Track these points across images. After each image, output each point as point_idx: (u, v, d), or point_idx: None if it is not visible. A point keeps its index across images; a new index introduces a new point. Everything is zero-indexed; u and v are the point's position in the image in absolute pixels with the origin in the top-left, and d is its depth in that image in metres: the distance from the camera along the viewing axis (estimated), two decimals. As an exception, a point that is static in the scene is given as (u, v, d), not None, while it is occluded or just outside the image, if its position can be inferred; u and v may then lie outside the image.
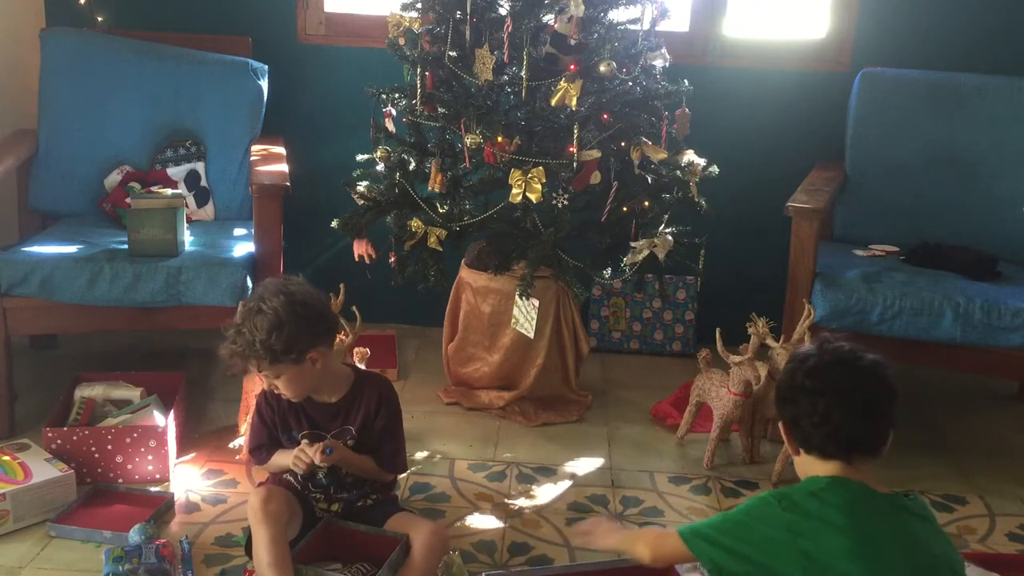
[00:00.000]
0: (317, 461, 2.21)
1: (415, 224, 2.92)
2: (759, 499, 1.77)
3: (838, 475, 1.74)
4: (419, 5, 2.91)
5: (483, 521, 2.55)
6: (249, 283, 2.83)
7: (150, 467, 2.64)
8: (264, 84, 3.37)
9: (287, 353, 2.17)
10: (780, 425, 1.86)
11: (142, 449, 2.62)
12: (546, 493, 2.69)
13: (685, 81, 2.92)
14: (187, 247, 2.93)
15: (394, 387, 2.41)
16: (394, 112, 2.99)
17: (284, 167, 3.15)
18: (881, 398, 1.76)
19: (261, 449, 2.38)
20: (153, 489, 2.60)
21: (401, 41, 2.95)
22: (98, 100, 3.28)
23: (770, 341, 2.76)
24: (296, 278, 2.28)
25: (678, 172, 2.90)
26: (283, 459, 2.32)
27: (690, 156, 2.93)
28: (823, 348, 1.80)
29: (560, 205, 2.77)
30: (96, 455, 2.60)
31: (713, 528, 1.79)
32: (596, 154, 2.73)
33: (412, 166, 2.96)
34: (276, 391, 2.25)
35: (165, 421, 2.70)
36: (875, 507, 1.71)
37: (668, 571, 2.15)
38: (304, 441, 2.27)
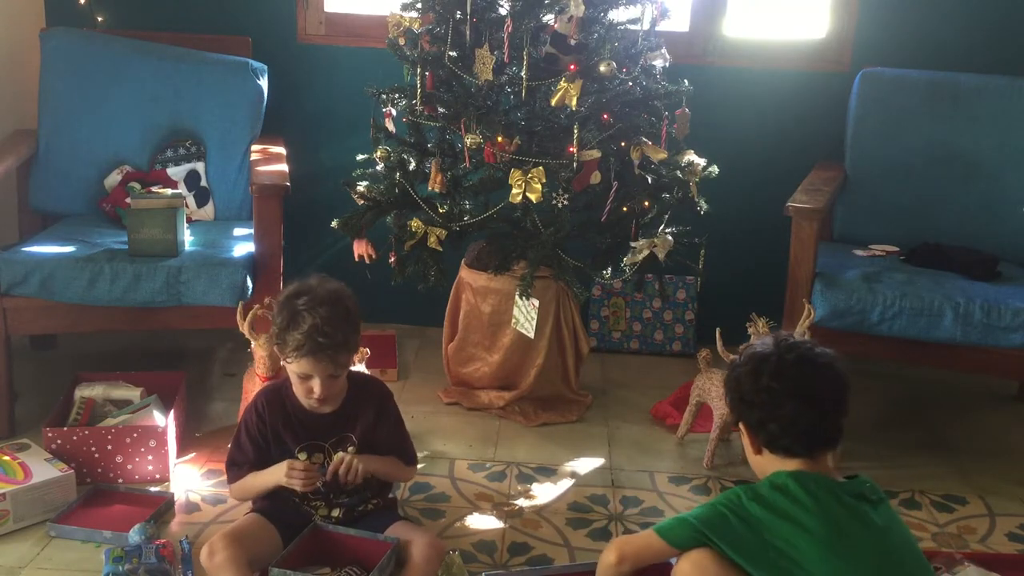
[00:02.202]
0: (319, 484, 2.21)
1: (415, 224, 2.92)
2: (731, 492, 1.81)
3: (800, 469, 1.78)
4: (419, 5, 2.91)
5: (483, 521, 2.55)
6: (249, 283, 2.83)
7: (150, 467, 2.64)
8: (264, 84, 3.37)
9: (356, 345, 2.21)
10: (741, 426, 1.85)
11: (142, 449, 2.62)
12: (546, 493, 2.70)
13: (685, 81, 2.92)
14: (187, 247, 2.93)
15: (387, 387, 2.41)
16: (394, 112, 2.99)
17: (284, 167, 3.15)
18: (842, 393, 1.79)
19: (240, 467, 2.31)
20: (153, 489, 2.60)
21: (401, 41, 2.95)
22: (98, 100, 3.28)
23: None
24: (319, 275, 2.27)
25: (678, 172, 2.90)
26: (263, 479, 2.27)
27: (690, 156, 2.93)
28: (781, 346, 1.80)
29: (560, 205, 2.77)
30: (96, 455, 2.60)
31: (679, 518, 1.85)
32: (596, 154, 2.73)
33: (412, 166, 2.96)
34: (322, 395, 2.18)
35: (165, 421, 2.70)
36: (839, 500, 1.74)
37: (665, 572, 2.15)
38: (302, 455, 2.26)
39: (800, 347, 1.80)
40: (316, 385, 2.18)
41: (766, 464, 1.82)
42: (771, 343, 1.82)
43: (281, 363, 2.26)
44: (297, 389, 2.23)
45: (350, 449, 2.29)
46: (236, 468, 2.32)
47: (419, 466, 2.77)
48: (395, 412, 2.38)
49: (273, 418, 2.28)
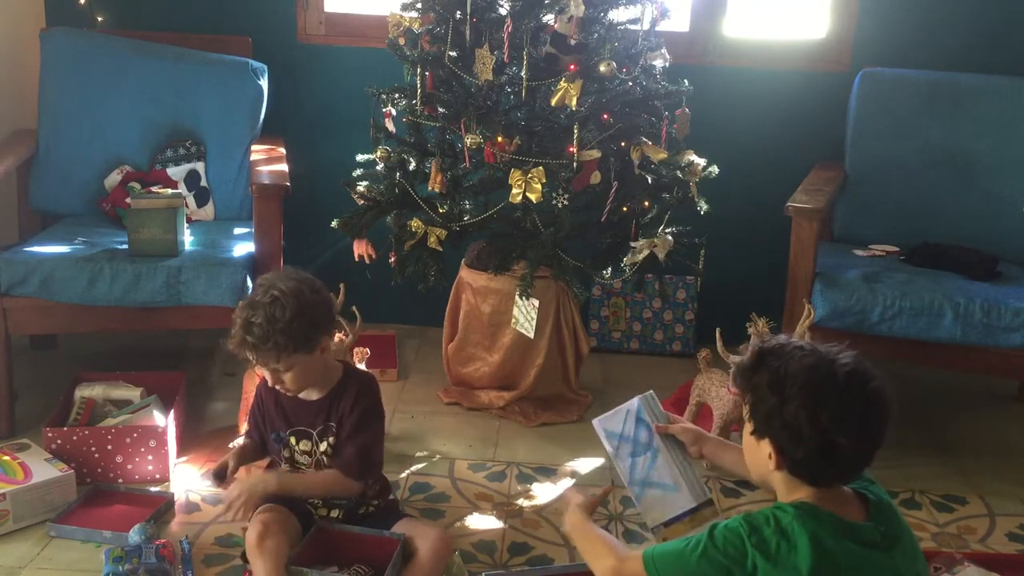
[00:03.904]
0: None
1: (415, 224, 2.92)
2: (728, 529, 1.62)
3: (809, 501, 1.62)
4: (419, 5, 2.91)
5: (483, 521, 2.55)
6: (249, 283, 2.82)
7: (150, 467, 2.64)
8: (264, 84, 3.37)
9: (307, 342, 2.14)
10: (768, 443, 1.65)
11: (142, 449, 2.62)
12: (546, 493, 2.69)
13: (685, 81, 2.92)
14: (187, 247, 2.93)
15: (378, 385, 2.32)
16: (394, 112, 2.99)
17: (284, 167, 3.16)
18: (887, 428, 1.63)
19: (248, 434, 2.39)
20: (153, 489, 2.60)
21: (401, 41, 2.95)
22: (98, 100, 3.28)
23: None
24: (294, 269, 2.24)
25: (678, 172, 2.90)
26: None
27: (690, 156, 2.93)
28: (848, 379, 1.59)
29: (560, 205, 2.77)
30: (96, 455, 2.60)
31: (675, 555, 1.66)
32: (596, 154, 2.73)
33: (412, 166, 2.96)
34: (281, 386, 2.19)
35: (165, 421, 2.70)
36: (846, 549, 1.58)
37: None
38: (292, 439, 2.26)
39: (867, 384, 1.60)
40: (267, 374, 2.18)
41: (775, 479, 1.68)
42: (828, 368, 1.60)
43: None
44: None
45: (331, 439, 2.26)
46: (247, 435, 2.39)
47: (419, 466, 2.78)
48: (367, 409, 2.25)
49: (268, 401, 2.30)
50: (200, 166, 3.31)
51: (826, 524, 1.59)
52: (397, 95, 2.96)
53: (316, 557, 2.20)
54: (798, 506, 1.61)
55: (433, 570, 2.17)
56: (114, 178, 3.27)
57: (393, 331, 3.63)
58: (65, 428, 2.63)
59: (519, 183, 2.72)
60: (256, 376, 2.59)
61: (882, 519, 1.65)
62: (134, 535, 2.29)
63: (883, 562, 1.61)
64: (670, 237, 2.85)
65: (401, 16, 2.95)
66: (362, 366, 2.80)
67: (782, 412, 1.61)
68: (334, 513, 2.30)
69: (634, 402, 2.05)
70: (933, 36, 3.45)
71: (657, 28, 2.90)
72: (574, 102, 2.68)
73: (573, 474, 2.80)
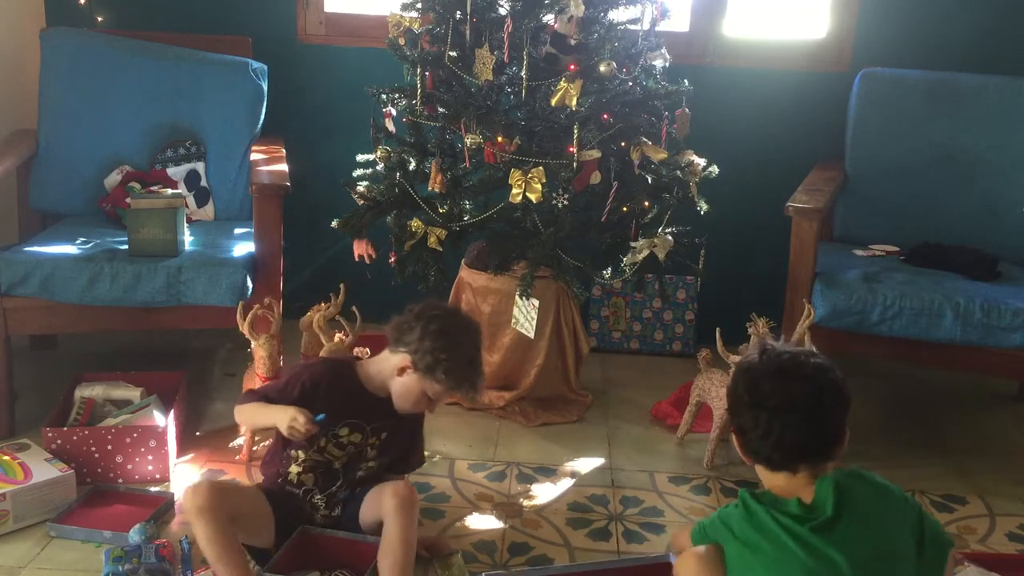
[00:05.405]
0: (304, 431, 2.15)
1: (415, 224, 2.92)
2: (715, 514, 1.83)
3: (776, 488, 1.75)
4: (419, 5, 2.91)
5: (483, 521, 2.55)
6: (249, 283, 2.82)
7: (150, 467, 2.64)
8: (264, 84, 3.37)
9: None
10: (732, 434, 1.85)
11: (142, 449, 2.62)
12: (546, 493, 2.69)
13: (685, 81, 2.92)
14: (187, 247, 2.93)
15: None
16: (394, 112, 2.99)
17: (284, 167, 3.16)
18: (824, 406, 1.72)
19: (258, 396, 2.28)
20: (153, 489, 2.60)
21: (401, 41, 2.95)
22: (98, 100, 3.28)
23: (770, 341, 2.76)
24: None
25: (678, 172, 2.90)
26: (266, 415, 2.21)
27: (690, 156, 2.93)
28: (763, 357, 1.75)
29: (560, 205, 2.77)
30: (96, 455, 2.60)
31: (707, 524, 1.84)
32: (596, 154, 2.73)
33: (412, 166, 2.96)
34: (431, 406, 2.28)
35: (165, 421, 2.70)
36: (774, 520, 1.70)
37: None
38: (344, 431, 2.25)
39: (782, 357, 1.74)
40: (437, 400, 2.27)
41: (759, 473, 1.81)
42: (756, 352, 1.78)
43: (410, 375, 2.24)
44: (409, 400, 2.26)
45: (384, 435, 2.30)
46: (255, 395, 2.30)
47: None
48: (421, 416, 2.42)
49: (337, 389, 2.26)
50: (200, 166, 3.31)
51: (767, 501, 1.72)
52: (397, 95, 2.96)
53: (296, 563, 2.19)
54: (752, 496, 1.75)
55: (401, 530, 2.12)
56: (114, 178, 3.27)
57: (393, 331, 3.62)
58: (65, 428, 2.63)
59: (519, 183, 2.72)
60: (258, 379, 2.60)
61: (824, 498, 1.71)
62: (134, 535, 2.29)
63: (828, 541, 1.67)
64: (670, 237, 2.86)
65: (401, 16, 2.95)
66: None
67: (727, 394, 1.85)
68: (335, 513, 2.30)
69: None
70: (933, 36, 3.45)
71: (657, 28, 2.90)
72: (574, 102, 2.68)
73: (573, 474, 2.80)
